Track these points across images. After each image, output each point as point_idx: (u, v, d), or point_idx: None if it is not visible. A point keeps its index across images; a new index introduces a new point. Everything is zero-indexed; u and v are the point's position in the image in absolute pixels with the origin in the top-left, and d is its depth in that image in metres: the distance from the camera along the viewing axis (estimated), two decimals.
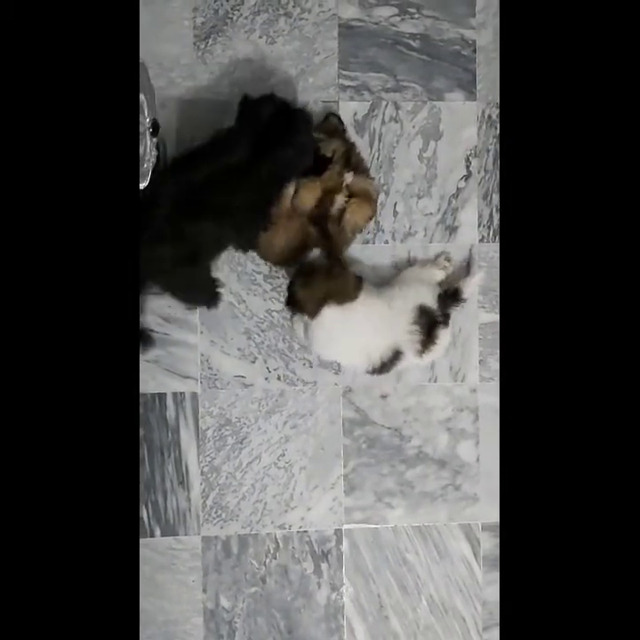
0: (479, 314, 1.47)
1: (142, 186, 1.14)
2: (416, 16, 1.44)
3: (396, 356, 1.33)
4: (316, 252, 1.36)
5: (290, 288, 1.34)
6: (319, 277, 1.31)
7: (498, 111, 1.46)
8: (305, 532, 1.44)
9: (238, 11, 1.41)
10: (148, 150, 1.11)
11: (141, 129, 1.09)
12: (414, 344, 1.32)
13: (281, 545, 1.43)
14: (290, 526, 1.44)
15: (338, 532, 1.44)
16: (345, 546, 1.45)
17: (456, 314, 1.42)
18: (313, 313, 1.30)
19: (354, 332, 1.32)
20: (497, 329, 1.47)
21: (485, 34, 1.45)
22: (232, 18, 1.41)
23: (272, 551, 1.43)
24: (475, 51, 1.46)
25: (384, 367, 1.34)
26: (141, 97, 1.09)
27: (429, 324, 1.33)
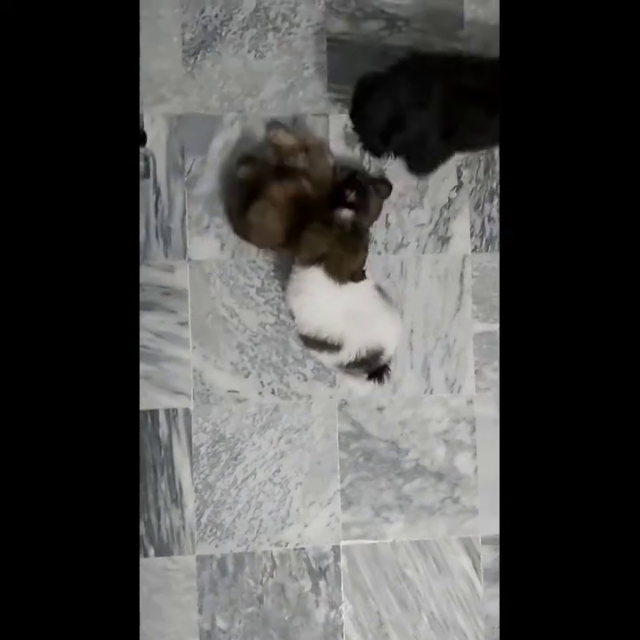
0: (473, 323, 1.46)
1: None
2: (404, 29, 1.45)
3: (338, 347, 1.29)
4: (347, 213, 1.28)
5: (304, 234, 1.28)
6: (332, 235, 1.25)
7: None
8: (302, 549, 1.41)
9: (227, 26, 1.41)
10: None
11: None
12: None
13: (278, 563, 1.41)
14: (286, 543, 1.41)
15: (335, 549, 1.42)
16: (343, 562, 1.42)
17: (452, 326, 1.42)
18: (304, 261, 1.26)
19: (325, 306, 1.28)
20: (492, 338, 1.46)
21: (473, 46, 1.46)
22: (221, 33, 1.41)
23: (269, 569, 1.41)
24: None
25: (311, 344, 1.32)
26: None
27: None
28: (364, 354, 1.30)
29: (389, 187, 1.40)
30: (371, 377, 1.36)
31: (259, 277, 1.42)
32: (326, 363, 1.37)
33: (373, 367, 1.35)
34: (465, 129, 1.30)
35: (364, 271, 1.29)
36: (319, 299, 1.27)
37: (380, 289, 1.37)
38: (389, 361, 1.37)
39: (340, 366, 1.34)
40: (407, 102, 1.25)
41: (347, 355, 1.30)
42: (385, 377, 1.37)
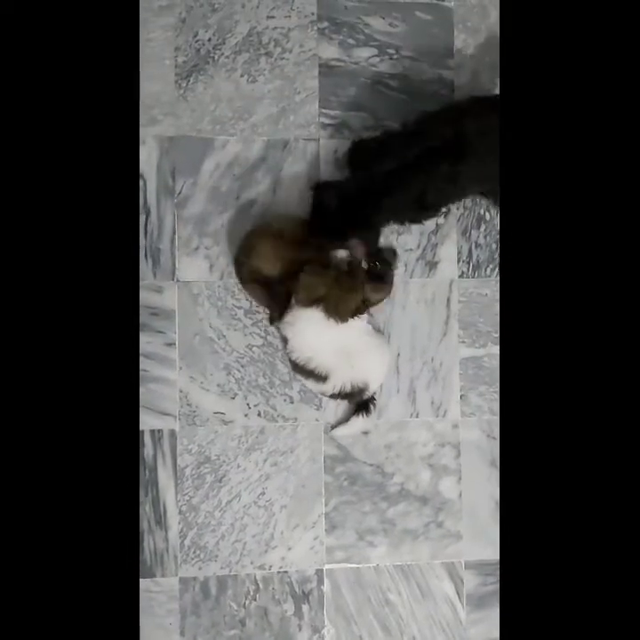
0: (460, 348, 1.47)
1: None
2: (395, 57, 1.47)
3: (324, 378, 1.31)
4: (342, 253, 1.28)
5: (301, 276, 1.28)
6: (329, 276, 1.25)
7: None
8: (285, 572, 1.41)
9: (220, 50, 1.42)
10: None
11: None
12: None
13: (261, 586, 1.40)
14: (270, 567, 1.41)
15: (319, 573, 1.42)
16: (326, 586, 1.42)
17: (438, 351, 1.43)
18: (302, 302, 1.26)
19: (319, 343, 1.29)
20: (477, 363, 1.47)
21: (463, 74, 1.48)
22: (214, 57, 1.42)
23: (252, 592, 1.40)
24: (453, 90, 1.48)
25: (299, 371, 1.34)
26: None
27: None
28: (348, 388, 1.32)
29: (394, 255, 1.44)
30: (358, 410, 1.39)
31: (247, 299, 1.42)
32: (311, 388, 1.38)
33: (355, 400, 1.38)
34: (433, 192, 1.29)
35: (365, 301, 1.29)
36: (313, 331, 1.28)
37: (372, 322, 1.39)
38: (373, 394, 1.39)
39: (323, 394, 1.37)
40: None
41: (331, 387, 1.32)
42: (371, 408, 1.39)
